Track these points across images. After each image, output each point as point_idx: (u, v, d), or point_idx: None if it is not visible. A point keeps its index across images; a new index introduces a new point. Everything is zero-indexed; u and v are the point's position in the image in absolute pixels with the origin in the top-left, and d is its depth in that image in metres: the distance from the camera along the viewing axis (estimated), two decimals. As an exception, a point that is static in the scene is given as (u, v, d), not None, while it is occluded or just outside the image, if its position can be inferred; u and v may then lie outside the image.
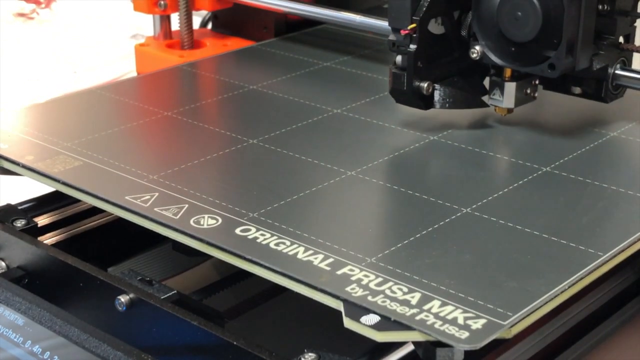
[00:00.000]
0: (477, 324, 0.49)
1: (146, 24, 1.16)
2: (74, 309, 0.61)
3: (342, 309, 0.51)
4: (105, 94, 0.84)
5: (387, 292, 0.52)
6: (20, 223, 0.68)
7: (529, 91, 0.74)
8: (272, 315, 0.72)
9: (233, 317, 0.66)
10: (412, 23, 0.71)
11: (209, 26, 1.13)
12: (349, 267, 0.54)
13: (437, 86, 0.73)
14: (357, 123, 0.77)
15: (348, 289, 0.52)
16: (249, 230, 0.59)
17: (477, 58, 0.71)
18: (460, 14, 0.74)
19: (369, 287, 0.52)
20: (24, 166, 0.68)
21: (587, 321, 0.66)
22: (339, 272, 0.54)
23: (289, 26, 1.02)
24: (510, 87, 0.73)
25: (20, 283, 0.65)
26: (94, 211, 0.74)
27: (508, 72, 0.72)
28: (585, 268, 0.54)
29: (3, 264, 0.67)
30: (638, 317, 0.69)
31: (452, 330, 0.48)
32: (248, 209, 0.61)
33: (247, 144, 0.72)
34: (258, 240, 0.57)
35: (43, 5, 1.63)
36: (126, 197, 0.63)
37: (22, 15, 1.61)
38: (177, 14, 1.05)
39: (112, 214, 0.73)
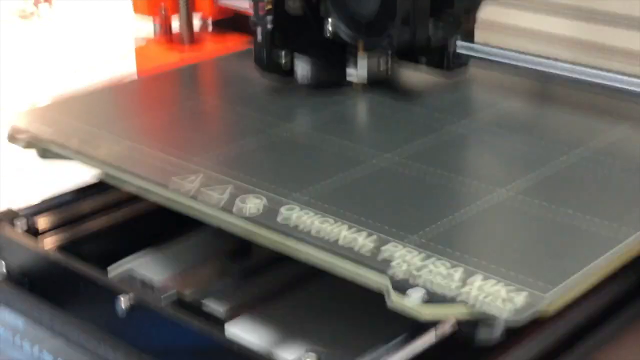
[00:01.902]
0: (520, 297, 0.50)
1: (147, 23, 1.16)
2: (75, 311, 0.61)
3: (388, 283, 0.52)
4: (142, 84, 0.88)
5: (431, 267, 0.53)
6: (21, 225, 0.68)
7: (381, 67, 0.81)
8: (272, 316, 0.72)
9: (233, 318, 0.66)
10: (268, 2, 0.77)
11: (209, 26, 1.13)
12: (392, 243, 0.56)
13: (297, 60, 0.79)
14: (390, 108, 0.79)
15: (393, 264, 0.54)
16: (293, 209, 0.60)
17: (331, 35, 0.78)
18: None
19: (413, 263, 0.54)
20: (70, 150, 0.70)
21: (588, 322, 0.66)
22: (382, 248, 0.55)
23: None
24: (363, 62, 0.80)
25: (21, 285, 0.65)
26: (95, 213, 0.75)
27: (361, 49, 0.80)
28: (619, 245, 0.56)
29: (4, 266, 0.67)
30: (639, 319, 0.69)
31: (496, 303, 0.50)
32: (290, 189, 0.63)
33: (284, 128, 0.74)
34: (303, 219, 0.59)
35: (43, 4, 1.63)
36: (173, 178, 0.65)
37: (22, 14, 1.61)
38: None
39: (112, 216, 0.75)
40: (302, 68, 0.80)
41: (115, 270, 0.71)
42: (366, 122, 0.78)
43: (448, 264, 0.54)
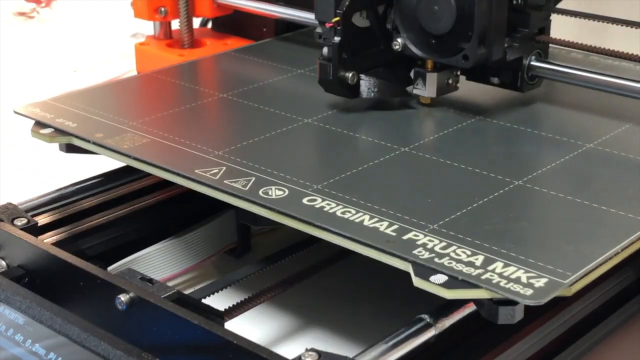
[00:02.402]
0: (540, 283, 0.52)
1: (146, 23, 1.16)
2: (74, 307, 0.61)
3: (410, 270, 0.54)
4: (162, 77, 0.88)
5: (452, 254, 0.55)
6: (20, 222, 0.68)
7: (450, 81, 0.78)
8: (272, 315, 0.72)
9: (233, 316, 0.66)
10: (336, 16, 0.74)
11: (209, 25, 1.13)
12: (414, 232, 0.58)
13: (362, 76, 0.77)
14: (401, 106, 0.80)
15: (415, 252, 0.56)
16: (315, 200, 0.62)
17: (399, 50, 0.76)
18: (386, 8, 0.77)
19: (434, 251, 0.56)
20: (94, 143, 0.71)
21: (587, 320, 0.66)
22: (404, 237, 0.57)
23: (288, 25, 1.02)
24: (432, 78, 0.77)
25: (21, 282, 0.65)
26: (94, 210, 0.75)
27: (430, 64, 0.76)
28: (636, 233, 0.58)
29: (3, 263, 0.66)
30: (638, 317, 0.70)
31: (516, 288, 0.52)
32: (312, 181, 0.65)
33: (302, 123, 0.76)
34: (325, 209, 0.61)
35: (43, 4, 1.63)
36: (196, 171, 0.66)
37: (22, 14, 1.61)
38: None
39: (112, 213, 0.75)
40: (367, 83, 0.77)
41: (116, 267, 0.71)
42: (371, 111, 0.79)
43: (469, 252, 0.56)
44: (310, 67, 0.87)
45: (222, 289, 0.69)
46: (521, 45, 0.76)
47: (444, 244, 0.56)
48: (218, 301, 0.66)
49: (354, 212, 0.60)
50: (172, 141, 0.71)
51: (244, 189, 0.63)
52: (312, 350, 0.52)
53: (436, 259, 0.55)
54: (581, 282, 0.53)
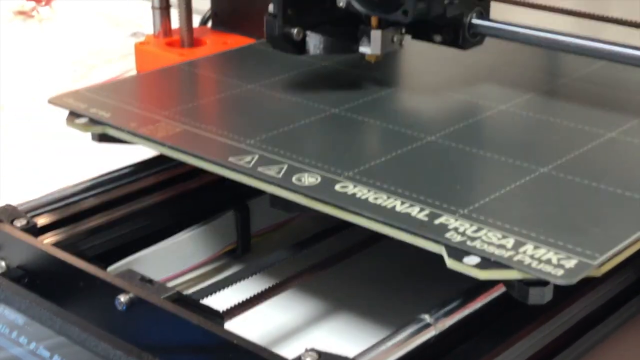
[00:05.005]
0: (570, 263, 0.54)
1: (146, 23, 1.16)
2: (74, 308, 0.61)
3: (443, 252, 0.56)
4: (189, 69, 0.89)
5: (484, 238, 0.57)
6: (20, 223, 0.68)
7: (395, 39, 0.79)
8: (272, 315, 0.72)
9: (233, 316, 0.66)
10: None
11: (209, 24, 1.14)
12: (445, 217, 0.59)
13: (308, 33, 0.78)
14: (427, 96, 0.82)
15: (447, 235, 0.57)
16: (346, 186, 0.63)
17: (343, 6, 0.77)
18: None
19: (465, 234, 0.57)
20: (129, 132, 0.72)
21: (587, 321, 0.66)
22: (436, 222, 0.59)
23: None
24: (376, 35, 0.78)
25: (20, 282, 0.65)
26: (94, 210, 0.75)
27: (375, 21, 0.78)
28: None
29: (3, 263, 0.66)
30: (638, 317, 0.70)
31: (548, 268, 0.53)
32: (343, 169, 0.66)
33: (329, 113, 0.77)
34: (357, 195, 0.62)
35: (43, 3, 1.63)
36: (230, 159, 0.67)
37: (22, 13, 1.61)
38: (177, 11, 1.05)
39: (112, 213, 0.75)
40: (314, 40, 0.79)
41: (116, 267, 0.71)
42: (398, 102, 0.80)
43: (500, 235, 0.57)
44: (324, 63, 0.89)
45: (222, 289, 0.69)
46: (462, 2, 0.78)
47: (474, 227, 0.58)
48: (218, 301, 0.66)
49: (385, 197, 0.62)
50: (205, 130, 0.73)
51: (278, 176, 0.65)
52: (312, 350, 0.52)
53: (468, 242, 0.56)
54: (610, 263, 0.55)
